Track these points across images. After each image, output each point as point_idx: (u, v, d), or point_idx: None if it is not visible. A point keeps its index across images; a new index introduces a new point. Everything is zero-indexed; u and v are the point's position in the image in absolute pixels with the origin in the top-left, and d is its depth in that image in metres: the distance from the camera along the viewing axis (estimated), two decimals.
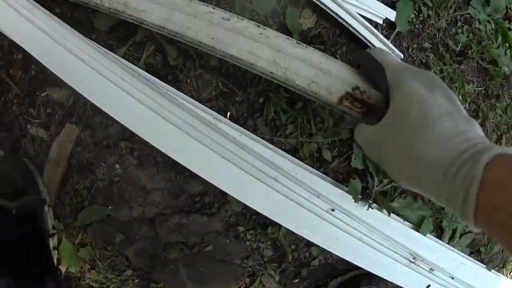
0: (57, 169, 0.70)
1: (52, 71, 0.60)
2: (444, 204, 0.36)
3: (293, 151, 0.66)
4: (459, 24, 0.79)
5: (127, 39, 0.67)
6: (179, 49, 0.65)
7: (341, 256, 0.63)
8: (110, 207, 0.68)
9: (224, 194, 0.66)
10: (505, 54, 0.85)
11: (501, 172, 0.29)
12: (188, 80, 0.65)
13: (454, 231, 0.80)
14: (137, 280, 0.71)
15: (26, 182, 0.70)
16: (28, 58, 0.72)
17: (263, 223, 0.68)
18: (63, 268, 0.75)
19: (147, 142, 0.60)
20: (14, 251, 0.64)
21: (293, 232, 0.64)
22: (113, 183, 0.68)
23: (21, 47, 0.67)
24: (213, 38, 0.53)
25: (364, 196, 0.69)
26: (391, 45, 0.66)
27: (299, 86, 0.51)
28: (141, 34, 0.66)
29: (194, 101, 0.61)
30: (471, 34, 0.80)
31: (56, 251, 0.74)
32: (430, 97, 0.36)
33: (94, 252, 0.71)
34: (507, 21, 0.87)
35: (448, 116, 0.35)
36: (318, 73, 0.51)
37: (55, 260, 0.74)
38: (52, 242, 0.73)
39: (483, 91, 0.81)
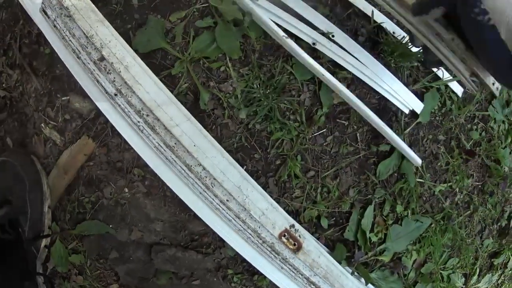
0: (64, 177, 0.71)
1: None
2: None
3: (295, 214, 0.70)
4: (476, 120, 0.82)
5: (162, 69, 0.67)
6: (212, 94, 0.65)
7: None
8: (111, 226, 0.70)
9: (222, 239, 0.69)
10: (510, 153, 0.90)
11: None
12: (214, 127, 0.66)
13: None
14: None
15: (31, 180, 0.71)
16: (55, 56, 0.70)
17: (251, 270, 0.72)
18: (50, 265, 0.77)
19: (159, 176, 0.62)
20: None
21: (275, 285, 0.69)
22: (119, 204, 0.69)
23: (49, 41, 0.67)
24: (194, 145, 0.55)
25: (349, 263, 0.74)
26: (407, 149, 0.69)
27: (251, 216, 0.58)
28: (178, 69, 0.66)
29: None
30: (484, 132, 0.84)
31: (47, 249, 0.76)
32: None
33: (86, 261, 0.73)
34: None
35: None
36: (269, 207, 0.59)
37: (43, 257, 0.76)
38: (45, 241, 0.75)
39: (480, 186, 0.86)
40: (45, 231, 0.74)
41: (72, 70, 0.65)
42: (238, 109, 0.65)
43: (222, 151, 0.59)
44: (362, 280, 0.75)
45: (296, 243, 0.63)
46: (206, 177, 0.58)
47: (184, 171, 0.58)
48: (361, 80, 0.68)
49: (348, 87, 0.69)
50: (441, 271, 0.85)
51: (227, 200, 0.58)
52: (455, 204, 0.82)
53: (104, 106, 0.62)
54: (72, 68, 0.65)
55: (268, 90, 0.65)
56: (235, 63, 0.65)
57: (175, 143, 0.58)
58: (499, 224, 0.92)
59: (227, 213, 0.59)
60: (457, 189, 0.82)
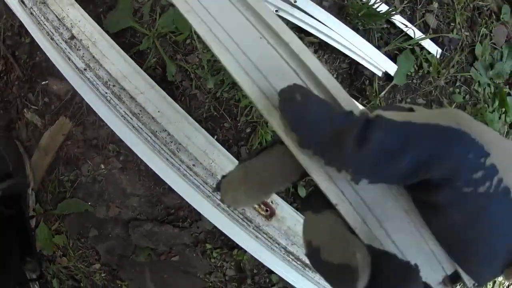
0: (45, 158, 0.73)
1: None
2: None
3: None
4: (458, 84, 0.80)
5: (131, 46, 0.69)
6: (179, 67, 0.67)
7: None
8: (89, 203, 0.71)
9: (198, 212, 0.68)
10: (499, 118, 0.86)
11: None
12: (183, 98, 0.67)
13: None
14: (104, 275, 0.74)
15: (14, 163, 0.74)
16: (35, 44, 0.74)
17: (230, 244, 0.71)
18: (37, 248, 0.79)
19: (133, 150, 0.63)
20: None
21: (256, 259, 0.67)
22: (96, 181, 0.70)
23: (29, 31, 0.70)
24: (159, 111, 0.56)
25: None
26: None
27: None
28: (146, 45, 0.68)
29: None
30: (468, 95, 0.81)
31: (32, 232, 0.77)
32: None
33: (68, 241, 0.74)
34: (507, 87, 0.88)
35: None
36: None
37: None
38: (30, 223, 0.77)
39: None
40: (30, 213, 0.76)
41: (47, 53, 0.68)
42: (205, 79, 0.66)
43: (186, 116, 0.59)
44: None
45: (268, 209, 0.62)
46: (171, 142, 0.58)
47: (150, 137, 0.59)
48: (329, 45, 0.68)
49: (315, 52, 0.69)
50: None
51: (193, 165, 0.59)
52: None
53: (76, 82, 0.64)
54: (47, 50, 0.68)
55: None
56: None
57: (140, 110, 0.59)
58: None
59: (194, 178, 0.59)
60: None
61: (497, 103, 0.84)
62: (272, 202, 0.63)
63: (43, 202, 0.75)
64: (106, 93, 0.60)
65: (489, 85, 0.83)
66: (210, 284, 0.73)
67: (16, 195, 0.72)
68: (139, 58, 0.68)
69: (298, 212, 0.69)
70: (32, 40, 0.74)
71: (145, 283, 0.72)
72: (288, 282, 0.68)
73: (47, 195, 0.74)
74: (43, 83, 0.74)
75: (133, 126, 0.59)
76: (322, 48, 0.69)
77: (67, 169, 0.72)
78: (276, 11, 0.66)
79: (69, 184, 0.72)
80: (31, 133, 0.75)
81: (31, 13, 0.69)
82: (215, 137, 0.67)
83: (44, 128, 0.74)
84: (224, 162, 0.59)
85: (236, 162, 0.60)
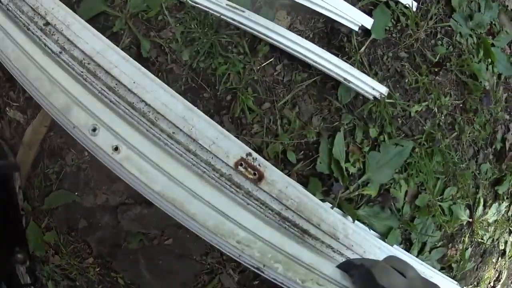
0: (29, 153, 0.72)
1: None
2: None
3: (258, 150, 0.67)
4: (439, 36, 0.79)
5: (105, 29, 0.69)
6: (153, 43, 0.66)
7: None
8: (76, 193, 0.69)
9: None
10: (486, 69, 0.84)
11: None
12: (160, 73, 0.66)
13: (424, 244, 0.79)
14: (98, 269, 0.71)
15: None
16: None
17: None
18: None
19: None
20: None
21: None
22: (81, 169, 0.69)
23: None
24: (134, 82, 0.56)
25: (326, 196, 0.69)
26: (358, 76, 0.66)
27: (201, 146, 0.56)
28: (119, 26, 0.68)
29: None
30: (451, 46, 0.79)
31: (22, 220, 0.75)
32: None
33: (59, 237, 0.72)
34: (490, 37, 0.86)
35: None
36: (219, 136, 0.57)
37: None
38: (20, 211, 0.74)
39: (461, 105, 0.80)
40: (20, 213, 0.74)
41: (23, 45, 0.68)
42: (180, 52, 0.65)
43: (162, 85, 0.58)
44: (349, 218, 0.69)
45: (256, 172, 0.60)
46: (149, 112, 0.57)
47: (128, 110, 0.57)
48: (301, 5, 0.68)
49: (288, 14, 0.68)
50: (439, 203, 0.77)
51: (173, 133, 0.57)
52: (437, 126, 0.77)
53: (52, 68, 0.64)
54: (23, 43, 0.69)
55: (206, 28, 0.65)
56: (171, 10, 0.67)
57: (116, 84, 0.58)
58: (493, 147, 0.84)
59: (176, 147, 0.57)
60: (436, 109, 0.77)
61: (481, 53, 0.83)
62: (260, 165, 0.60)
63: (31, 199, 0.73)
64: (82, 72, 0.59)
65: (471, 35, 0.82)
66: (208, 266, 0.69)
67: (3, 177, 0.70)
68: (113, 40, 0.68)
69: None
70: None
71: (140, 272, 0.69)
72: None
73: (34, 191, 0.72)
74: None
75: (111, 101, 0.58)
76: (294, 10, 0.69)
77: (52, 161, 0.70)
78: None
79: (55, 176, 0.70)
80: (14, 131, 0.74)
81: (8, 9, 0.71)
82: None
83: (26, 124, 0.73)
84: (204, 126, 0.58)
85: (216, 125, 0.59)
